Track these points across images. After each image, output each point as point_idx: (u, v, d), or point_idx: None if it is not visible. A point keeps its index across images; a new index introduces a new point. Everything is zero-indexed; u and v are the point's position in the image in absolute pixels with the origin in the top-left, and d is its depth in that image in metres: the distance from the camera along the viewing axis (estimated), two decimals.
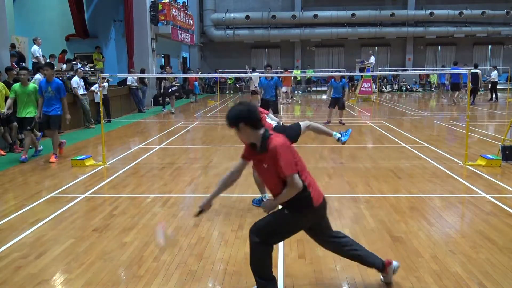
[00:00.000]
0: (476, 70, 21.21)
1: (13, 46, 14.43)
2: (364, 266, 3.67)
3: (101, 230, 5.01)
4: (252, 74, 19.42)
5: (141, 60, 20.17)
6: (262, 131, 3.29)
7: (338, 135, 6.23)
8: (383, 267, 3.63)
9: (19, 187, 6.92)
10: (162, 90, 18.46)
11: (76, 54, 20.83)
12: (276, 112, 11.21)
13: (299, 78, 30.83)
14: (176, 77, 18.36)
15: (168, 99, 18.71)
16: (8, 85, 10.10)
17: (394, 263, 3.67)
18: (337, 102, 13.57)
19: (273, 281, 3.43)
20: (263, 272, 3.40)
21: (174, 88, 18.28)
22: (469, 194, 6.26)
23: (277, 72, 28.48)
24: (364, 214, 5.43)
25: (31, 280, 3.82)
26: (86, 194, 6.44)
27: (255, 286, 3.44)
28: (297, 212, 3.34)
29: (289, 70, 25.37)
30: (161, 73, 23.79)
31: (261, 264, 3.39)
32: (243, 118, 3.25)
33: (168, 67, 19.66)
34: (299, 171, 3.27)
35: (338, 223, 5.12)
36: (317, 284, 3.72)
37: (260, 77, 11.88)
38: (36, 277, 3.87)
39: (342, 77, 13.97)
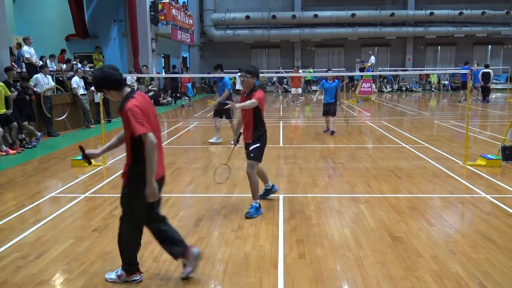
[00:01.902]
0: (488, 70, 21.35)
1: (19, 45, 14.44)
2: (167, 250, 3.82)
3: (101, 230, 5.01)
4: (238, 74, 19.27)
5: (141, 60, 20.17)
6: (126, 91, 3.53)
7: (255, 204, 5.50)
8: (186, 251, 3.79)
9: (19, 187, 6.92)
10: None
11: (76, 54, 20.84)
12: (228, 117, 10.33)
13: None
14: (152, 79, 16.07)
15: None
16: (8, 85, 10.11)
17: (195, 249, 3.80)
18: (329, 109, 11.57)
19: (137, 264, 3.81)
20: (131, 257, 3.75)
21: (150, 94, 15.77)
22: (469, 194, 6.26)
23: (278, 72, 28.73)
24: (364, 214, 5.43)
25: (31, 280, 3.82)
26: (86, 194, 6.44)
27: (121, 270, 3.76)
28: (140, 184, 3.51)
29: (300, 70, 24.23)
30: (172, 72, 23.58)
31: (128, 248, 3.75)
32: (104, 84, 3.51)
33: (144, 67, 16.91)
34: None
35: (338, 223, 5.12)
36: (317, 284, 3.72)
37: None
38: (36, 277, 3.87)
39: (336, 77, 12.00)
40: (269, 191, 5.99)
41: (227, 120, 10.56)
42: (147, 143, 3.36)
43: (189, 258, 3.74)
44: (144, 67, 16.66)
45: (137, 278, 3.75)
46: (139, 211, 3.64)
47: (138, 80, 15.62)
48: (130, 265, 3.74)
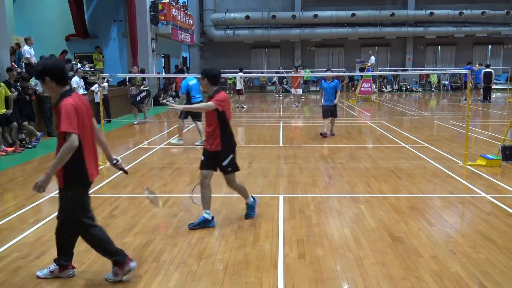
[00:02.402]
0: (490, 70, 21.42)
1: (18, 45, 14.43)
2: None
3: None
4: (238, 74, 19.23)
5: (141, 60, 20.16)
6: (65, 89, 3.54)
7: (251, 200, 5.36)
8: (65, 267, 3.84)
9: (19, 187, 6.92)
10: (129, 98, 14.89)
11: (76, 54, 20.84)
12: (195, 117, 10.29)
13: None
14: (144, 80, 14.87)
15: (140, 106, 14.89)
16: (9, 85, 10.12)
17: (71, 271, 3.87)
18: (330, 111, 11.07)
19: (121, 252, 3.76)
20: (109, 249, 3.73)
21: (143, 94, 14.73)
22: (469, 194, 6.27)
23: (278, 72, 28.72)
24: (364, 214, 5.43)
25: (31, 280, 3.82)
26: None
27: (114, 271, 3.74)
28: (78, 187, 3.61)
29: (299, 70, 23.76)
30: (175, 72, 23.48)
31: (100, 244, 3.74)
32: (51, 72, 3.46)
33: (134, 67, 15.58)
34: (80, 135, 3.43)
35: (338, 223, 5.12)
36: (317, 284, 3.72)
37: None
38: (36, 277, 3.87)
39: (335, 77, 11.45)
40: (206, 222, 5.03)
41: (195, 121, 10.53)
42: (68, 142, 3.36)
43: (63, 274, 3.85)
44: (135, 67, 15.80)
45: (131, 265, 3.76)
46: (82, 206, 3.69)
47: (130, 80, 14.95)
48: (115, 255, 3.72)
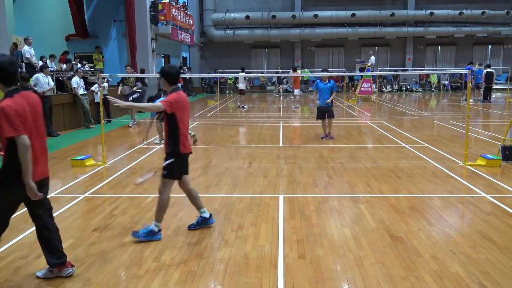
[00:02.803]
0: (491, 70, 21.50)
1: (15, 45, 14.42)
2: (51, 251, 3.82)
3: (101, 230, 5.01)
4: (240, 74, 19.21)
5: (141, 60, 20.17)
6: (11, 88, 3.44)
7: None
8: (60, 265, 3.82)
9: None
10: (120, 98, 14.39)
11: (76, 54, 20.85)
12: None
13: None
14: (137, 81, 14.58)
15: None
16: None
17: (70, 270, 3.85)
18: (325, 111, 10.83)
19: None
20: None
21: (135, 96, 14.16)
22: (469, 194, 6.27)
23: (277, 72, 28.74)
24: (364, 214, 5.43)
25: (31, 280, 3.82)
26: (86, 194, 6.44)
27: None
28: (8, 186, 3.47)
29: (297, 70, 23.69)
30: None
31: None
32: None
33: (128, 67, 15.42)
34: (29, 136, 3.37)
35: (338, 223, 5.13)
36: (317, 284, 3.72)
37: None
38: (36, 277, 3.87)
39: (330, 77, 11.15)
40: (205, 220, 5.00)
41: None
42: (19, 145, 3.32)
43: (62, 273, 3.82)
44: (128, 67, 15.67)
45: None
46: (2, 212, 3.64)
47: (122, 81, 14.61)
48: None
